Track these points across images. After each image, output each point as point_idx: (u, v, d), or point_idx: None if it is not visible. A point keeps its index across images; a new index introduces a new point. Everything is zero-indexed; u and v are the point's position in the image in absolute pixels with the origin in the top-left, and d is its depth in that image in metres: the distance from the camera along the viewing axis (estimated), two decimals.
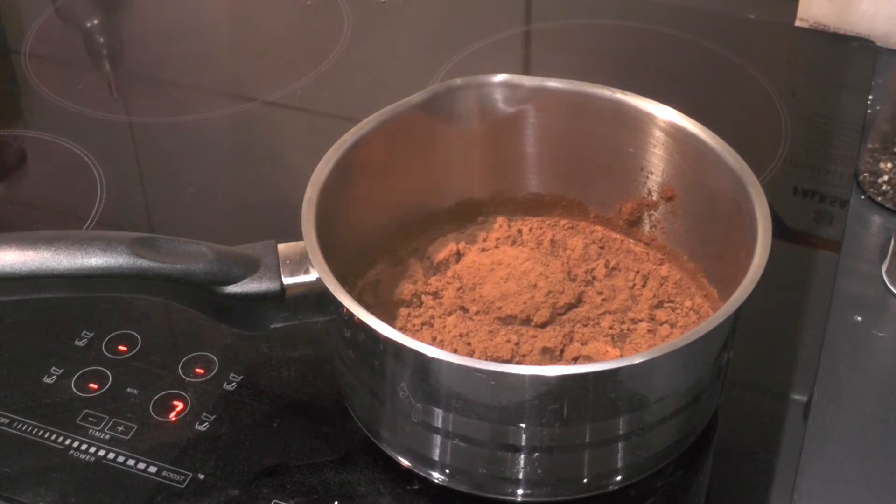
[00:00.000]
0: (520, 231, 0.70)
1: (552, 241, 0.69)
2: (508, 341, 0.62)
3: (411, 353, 0.53)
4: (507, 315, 0.63)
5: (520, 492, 0.58)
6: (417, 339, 0.54)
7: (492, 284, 0.64)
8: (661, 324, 0.64)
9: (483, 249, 0.69)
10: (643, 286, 0.67)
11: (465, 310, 0.64)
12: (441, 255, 0.68)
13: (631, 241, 0.70)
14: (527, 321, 0.63)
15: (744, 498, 0.61)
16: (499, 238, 0.70)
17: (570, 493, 0.59)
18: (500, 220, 0.71)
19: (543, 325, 0.63)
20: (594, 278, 0.67)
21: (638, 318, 0.64)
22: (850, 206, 0.79)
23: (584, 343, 0.62)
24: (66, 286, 0.57)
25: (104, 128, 0.88)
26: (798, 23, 0.97)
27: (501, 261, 0.65)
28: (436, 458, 0.58)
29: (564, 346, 0.62)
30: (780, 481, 0.61)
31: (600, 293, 0.66)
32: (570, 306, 0.64)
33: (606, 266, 0.67)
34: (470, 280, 0.65)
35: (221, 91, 0.93)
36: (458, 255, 0.68)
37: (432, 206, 0.71)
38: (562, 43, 0.97)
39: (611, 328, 0.64)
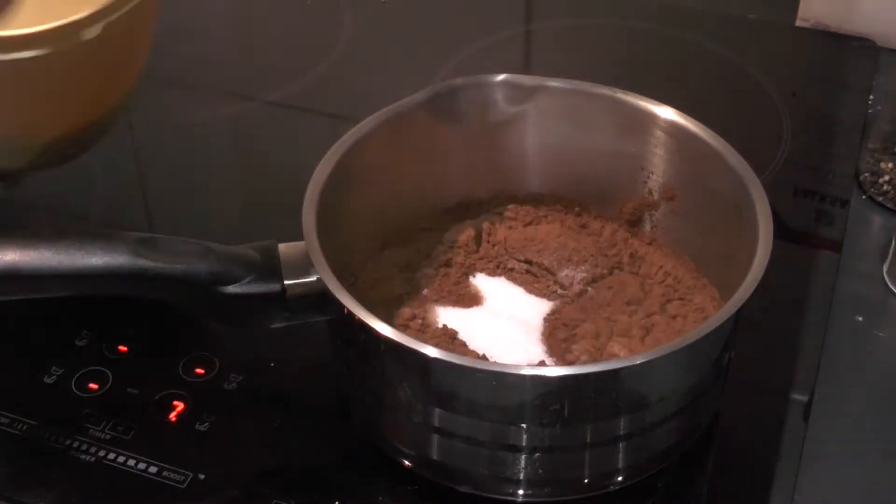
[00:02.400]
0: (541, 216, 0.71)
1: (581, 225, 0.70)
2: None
3: (411, 353, 0.53)
4: (545, 268, 0.65)
5: (520, 492, 0.58)
6: (418, 339, 0.54)
7: (531, 253, 0.67)
8: (663, 315, 0.64)
9: (510, 227, 0.69)
10: (649, 285, 0.67)
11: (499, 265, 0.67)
12: (463, 237, 0.68)
13: (635, 239, 0.70)
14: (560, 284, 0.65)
15: (744, 498, 0.61)
16: (522, 219, 0.71)
17: (571, 493, 0.59)
18: (512, 206, 0.71)
19: (577, 295, 0.65)
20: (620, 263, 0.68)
21: (641, 318, 0.64)
22: (851, 206, 0.79)
23: (586, 341, 0.62)
24: (66, 286, 0.57)
25: None
26: (799, 23, 0.97)
27: (534, 237, 0.67)
28: (436, 458, 0.58)
29: (569, 345, 0.62)
30: (781, 481, 0.61)
31: (610, 288, 0.66)
32: (602, 278, 0.66)
33: (619, 263, 0.68)
34: (510, 247, 0.68)
35: (221, 91, 0.93)
36: (481, 239, 0.69)
37: (433, 206, 0.71)
38: (562, 43, 0.97)
39: (611, 321, 0.64)
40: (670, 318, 0.63)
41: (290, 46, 0.98)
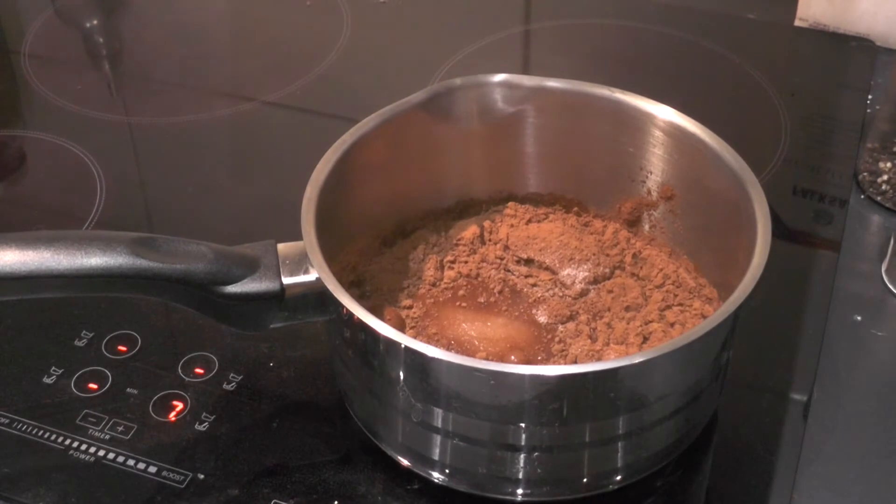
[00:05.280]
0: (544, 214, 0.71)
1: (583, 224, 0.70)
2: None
3: (411, 353, 0.53)
4: (547, 266, 0.65)
5: (519, 491, 0.58)
6: (418, 338, 0.54)
7: (533, 252, 0.67)
8: (661, 323, 0.64)
9: (512, 225, 0.69)
10: (649, 291, 0.67)
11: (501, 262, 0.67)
12: (467, 235, 0.68)
13: (637, 239, 0.70)
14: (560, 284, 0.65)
15: (743, 497, 0.61)
16: (522, 216, 0.71)
17: (569, 492, 0.59)
18: (512, 204, 0.71)
19: (578, 295, 0.65)
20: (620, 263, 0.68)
21: (639, 325, 0.64)
22: (850, 205, 0.79)
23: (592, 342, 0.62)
24: (66, 286, 0.57)
25: (104, 128, 0.88)
26: (797, 22, 0.97)
27: (537, 235, 0.66)
28: (436, 457, 0.58)
29: (567, 348, 0.62)
30: (780, 481, 0.61)
31: (610, 292, 0.66)
32: (605, 278, 0.66)
33: (621, 263, 0.68)
34: (512, 245, 0.68)
35: (221, 91, 0.93)
36: (483, 237, 0.69)
37: (432, 206, 0.71)
38: (562, 43, 0.97)
39: (609, 327, 0.64)
40: (668, 326, 0.64)
41: (290, 46, 0.98)
